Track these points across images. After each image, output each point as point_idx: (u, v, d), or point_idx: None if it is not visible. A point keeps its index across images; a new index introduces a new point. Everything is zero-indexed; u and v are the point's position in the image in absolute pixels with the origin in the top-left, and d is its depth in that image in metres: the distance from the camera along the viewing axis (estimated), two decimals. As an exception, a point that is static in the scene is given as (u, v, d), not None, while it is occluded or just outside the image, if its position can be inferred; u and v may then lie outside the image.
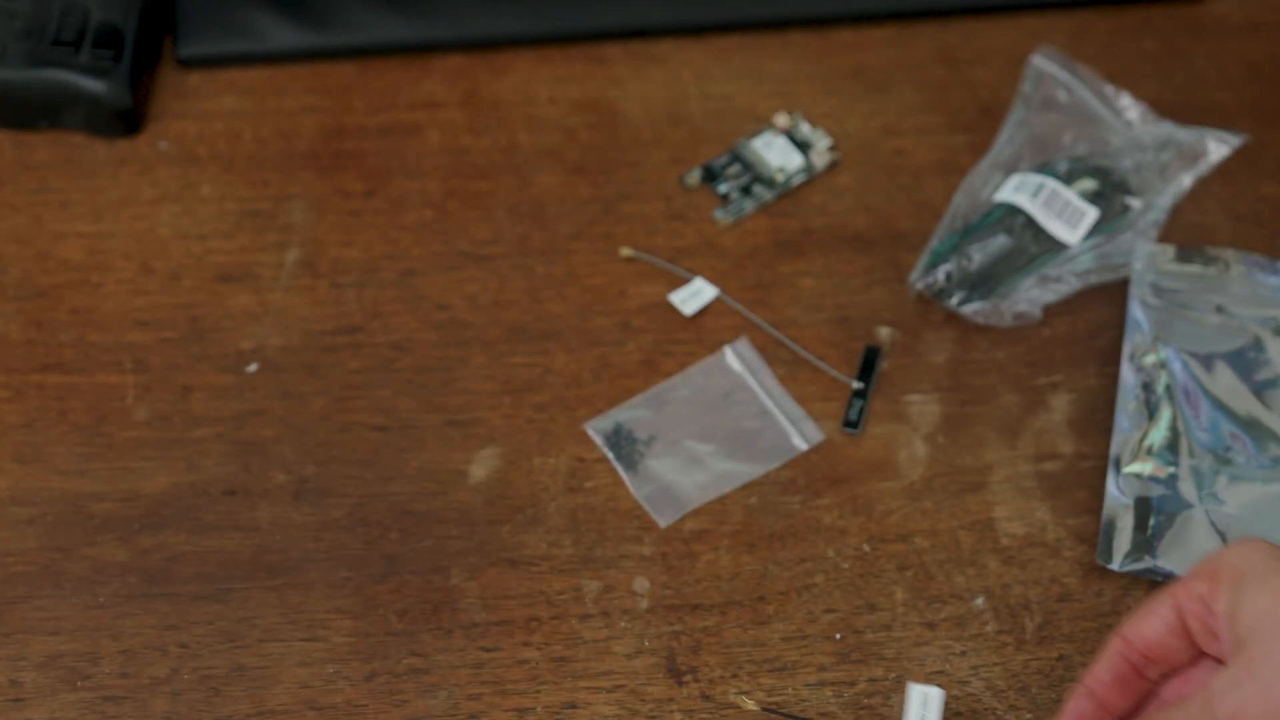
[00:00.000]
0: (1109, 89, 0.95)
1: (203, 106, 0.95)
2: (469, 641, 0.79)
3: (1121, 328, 0.88)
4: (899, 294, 0.90)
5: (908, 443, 0.85)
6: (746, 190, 0.93)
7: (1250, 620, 0.66)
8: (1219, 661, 0.69)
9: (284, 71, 0.97)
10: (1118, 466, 0.83)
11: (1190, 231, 0.92)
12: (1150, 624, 0.69)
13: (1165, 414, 0.83)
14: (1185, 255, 0.89)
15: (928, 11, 1.00)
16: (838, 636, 0.79)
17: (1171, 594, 0.69)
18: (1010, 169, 0.92)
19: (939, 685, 0.77)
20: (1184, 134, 0.93)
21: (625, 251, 0.89)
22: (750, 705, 0.77)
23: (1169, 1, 1.01)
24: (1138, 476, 0.82)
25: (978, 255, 0.88)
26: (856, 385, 0.86)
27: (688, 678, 0.78)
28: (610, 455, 0.84)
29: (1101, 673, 0.70)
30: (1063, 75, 0.95)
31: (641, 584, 0.81)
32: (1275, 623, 0.65)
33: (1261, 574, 0.66)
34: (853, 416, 0.85)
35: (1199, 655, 0.70)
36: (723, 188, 0.93)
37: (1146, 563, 0.80)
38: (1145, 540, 0.80)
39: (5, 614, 0.79)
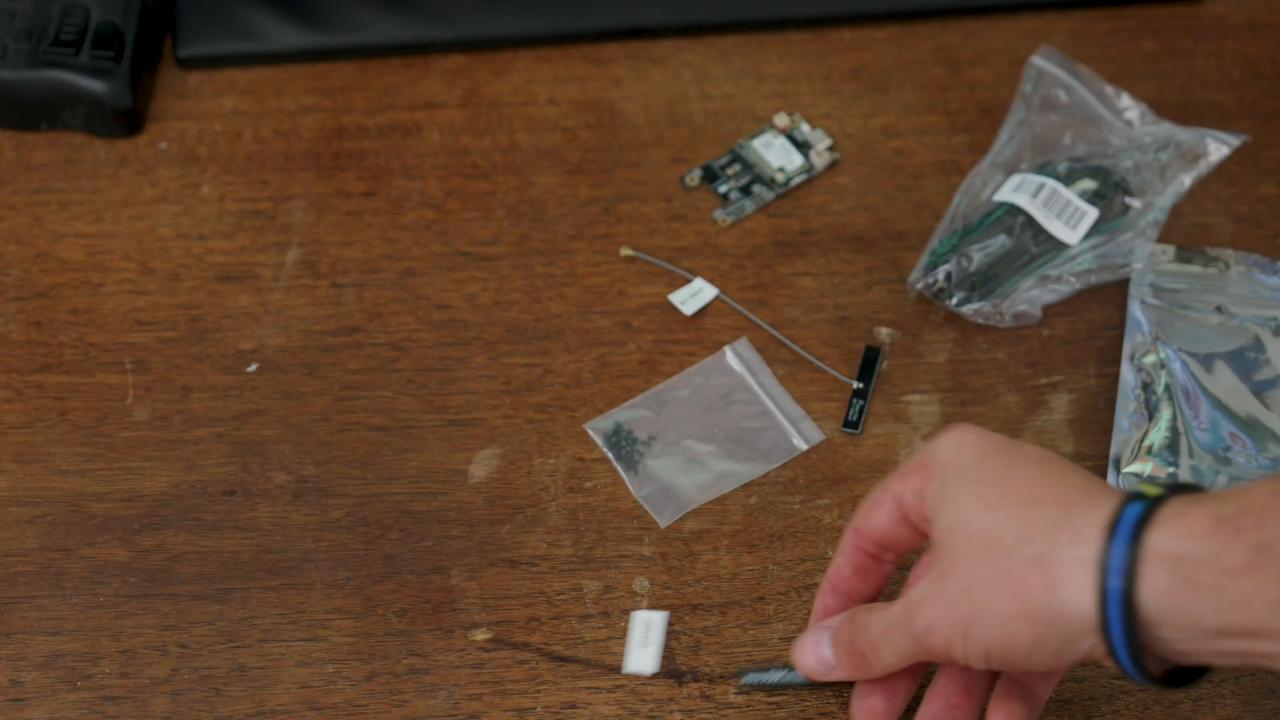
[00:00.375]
0: (1109, 89, 0.95)
1: (203, 106, 0.95)
2: (469, 641, 0.79)
3: (1121, 328, 0.88)
4: (899, 294, 0.90)
5: (908, 443, 0.85)
6: (746, 190, 0.93)
7: (944, 527, 0.67)
8: None
9: (284, 71, 0.97)
10: (1118, 467, 0.83)
11: (1190, 231, 0.92)
12: (876, 517, 0.71)
13: (1165, 414, 0.83)
14: (1185, 255, 0.89)
15: (928, 11, 1.00)
16: (838, 636, 0.79)
17: (890, 486, 0.71)
18: (1010, 169, 0.92)
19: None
20: (1184, 134, 0.93)
21: (625, 251, 0.89)
22: (482, 636, 0.78)
23: (1169, 1, 1.01)
24: (1138, 476, 0.82)
25: (978, 255, 0.88)
26: (856, 385, 0.86)
27: (688, 678, 0.78)
28: (610, 455, 0.84)
29: (841, 567, 0.73)
30: (1063, 75, 0.95)
31: (641, 584, 0.80)
32: (962, 535, 0.66)
33: (960, 476, 0.67)
34: (853, 416, 0.85)
35: (916, 536, 0.72)
36: (723, 188, 0.93)
37: (1146, 563, 0.80)
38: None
39: (5, 614, 0.79)
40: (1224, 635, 0.62)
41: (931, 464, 0.69)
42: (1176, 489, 0.64)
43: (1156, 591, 0.62)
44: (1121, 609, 0.62)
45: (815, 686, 0.76)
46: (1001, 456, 0.68)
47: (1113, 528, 0.63)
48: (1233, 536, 0.61)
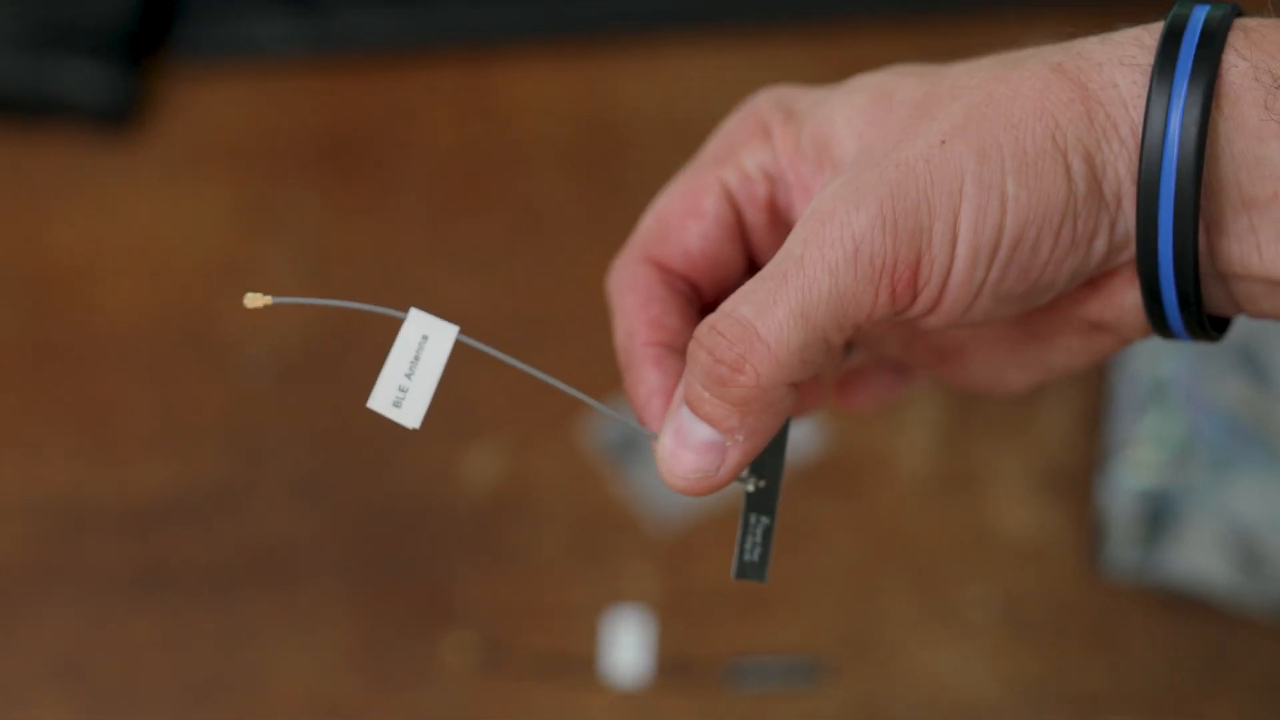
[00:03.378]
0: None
1: (202, 106, 0.95)
2: (464, 644, 0.79)
3: (1121, 327, 0.88)
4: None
5: (908, 443, 0.85)
6: (746, 190, 0.93)
7: (854, 138, 0.46)
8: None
9: (284, 71, 0.97)
10: (1117, 466, 0.83)
11: (1190, 231, 0.92)
12: (693, 229, 0.48)
13: (1165, 414, 0.83)
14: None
15: (927, 10, 1.00)
16: (838, 637, 0.79)
17: (714, 181, 0.48)
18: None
19: (939, 685, 0.77)
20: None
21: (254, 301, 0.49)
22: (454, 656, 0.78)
23: (1168, 2, 1.00)
24: (1138, 476, 0.82)
25: (978, 255, 0.88)
26: (753, 485, 0.50)
27: (687, 678, 0.78)
28: (610, 455, 0.84)
29: (662, 315, 0.48)
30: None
31: (641, 584, 0.80)
32: (897, 115, 0.46)
33: (831, 95, 0.47)
34: (751, 555, 0.50)
35: (747, 270, 0.48)
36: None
37: (1146, 562, 0.80)
38: (1145, 540, 0.80)
39: (5, 614, 0.79)
40: None
41: (772, 115, 0.48)
42: (1237, 11, 0.43)
43: (1242, 127, 0.40)
44: (1181, 136, 0.40)
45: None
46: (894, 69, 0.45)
47: (1173, 34, 0.42)
48: None
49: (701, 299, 0.48)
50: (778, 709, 0.77)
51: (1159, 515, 0.81)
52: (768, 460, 0.46)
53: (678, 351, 0.47)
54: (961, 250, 0.41)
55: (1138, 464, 0.82)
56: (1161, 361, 0.85)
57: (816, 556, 0.81)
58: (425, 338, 0.49)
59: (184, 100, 0.96)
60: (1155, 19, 1.02)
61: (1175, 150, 0.40)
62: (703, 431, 0.44)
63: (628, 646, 0.78)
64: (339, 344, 0.88)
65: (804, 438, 0.85)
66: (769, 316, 0.42)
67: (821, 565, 0.81)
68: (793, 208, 0.47)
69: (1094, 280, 0.44)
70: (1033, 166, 0.41)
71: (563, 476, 0.83)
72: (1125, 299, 0.44)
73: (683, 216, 0.48)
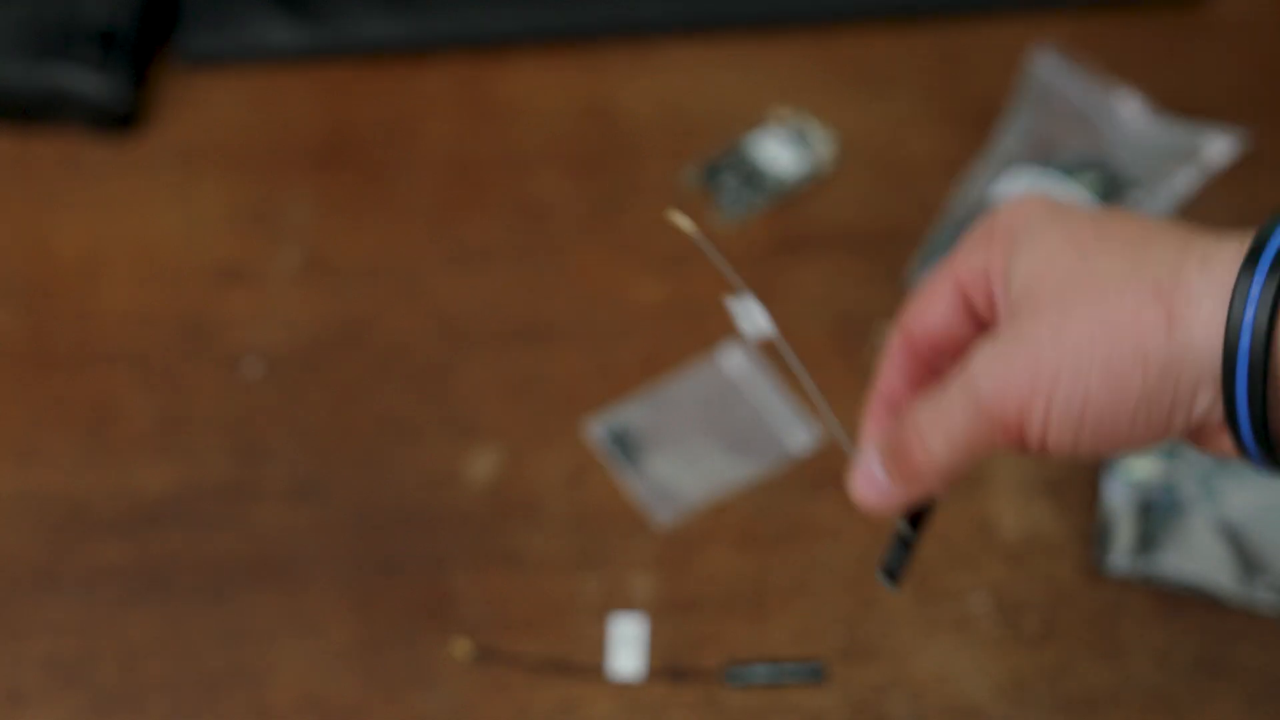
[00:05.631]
0: (1109, 88, 0.95)
1: (203, 106, 0.96)
2: (460, 647, 0.79)
3: (1121, 327, 0.88)
4: (899, 293, 0.90)
5: (908, 443, 0.85)
6: (746, 190, 0.93)
7: (1021, 282, 0.56)
8: None
9: (284, 71, 0.97)
10: (1117, 466, 0.83)
11: (1190, 231, 0.92)
12: (932, 311, 0.59)
13: (1165, 414, 0.83)
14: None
15: (928, 11, 1.00)
16: (837, 638, 0.79)
17: (950, 271, 0.59)
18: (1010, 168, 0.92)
19: (939, 685, 0.77)
20: (1184, 133, 0.93)
21: (680, 221, 0.68)
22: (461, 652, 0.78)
23: (1169, 1, 1.01)
24: (1137, 476, 0.82)
25: (978, 255, 0.88)
26: (904, 531, 0.61)
27: (688, 677, 0.78)
28: (610, 455, 0.84)
29: (893, 378, 0.60)
30: (1063, 74, 0.95)
31: (641, 584, 0.81)
32: (1050, 282, 0.55)
33: (1036, 230, 0.56)
34: (892, 564, 0.61)
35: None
36: (722, 187, 0.93)
37: (1146, 563, 0.80)
38: (1145, 540, 0.80)
39: (5, 614, 0.79)
40: None
41: (995, 232, 0.57)
42: None
43: None
44: (1250, 346, 0.51)
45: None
46: (1084, 210, 0.56)
47: (1254, 254, 0.52)
48: None
49: (940, 361, 0.60)
50: (778, 709, 0.77)
51: (1158, 515, 0.81)
52: None
53: (892, 406, 0.60)
54: (1053, 422, 0.54)
55: (1137, 464, 0.82)
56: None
57: (816, 557, 0.81)
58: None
59: (185, 101, 0.96)
60: (1162, 22, 1.02)
61: (1249, 337, 0.52)
62: (879, 470, 0.58)
63: (628, 646, 0.78)
64: (339, 344, 0.88)
65: (804, 438, 0.85)
66: (932, 435, 0.56)
67: (821, 565, 0.81)
68: (996, 299, 0.59)
69: (1193, 431, 0.55)
70: (1116, 379, 0.53)
71: (563, 476, 0.83)
72: (1222, 444, 0.55)
73: (928, 300, 0.60)
